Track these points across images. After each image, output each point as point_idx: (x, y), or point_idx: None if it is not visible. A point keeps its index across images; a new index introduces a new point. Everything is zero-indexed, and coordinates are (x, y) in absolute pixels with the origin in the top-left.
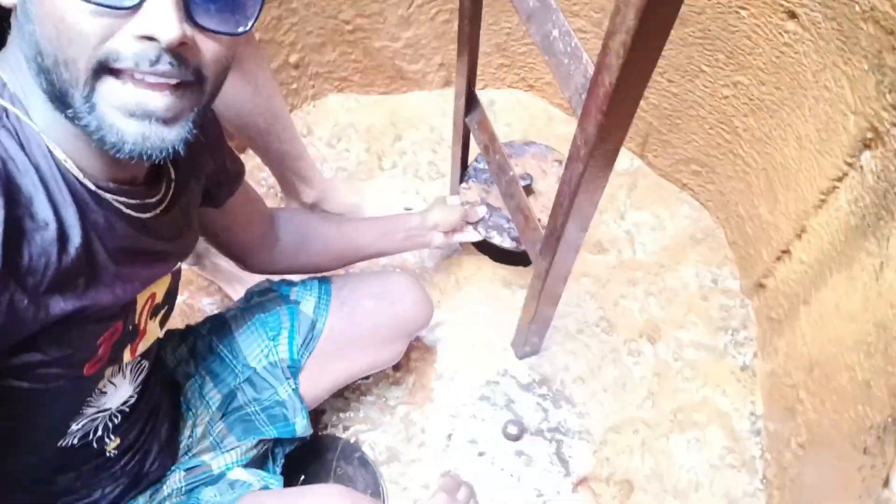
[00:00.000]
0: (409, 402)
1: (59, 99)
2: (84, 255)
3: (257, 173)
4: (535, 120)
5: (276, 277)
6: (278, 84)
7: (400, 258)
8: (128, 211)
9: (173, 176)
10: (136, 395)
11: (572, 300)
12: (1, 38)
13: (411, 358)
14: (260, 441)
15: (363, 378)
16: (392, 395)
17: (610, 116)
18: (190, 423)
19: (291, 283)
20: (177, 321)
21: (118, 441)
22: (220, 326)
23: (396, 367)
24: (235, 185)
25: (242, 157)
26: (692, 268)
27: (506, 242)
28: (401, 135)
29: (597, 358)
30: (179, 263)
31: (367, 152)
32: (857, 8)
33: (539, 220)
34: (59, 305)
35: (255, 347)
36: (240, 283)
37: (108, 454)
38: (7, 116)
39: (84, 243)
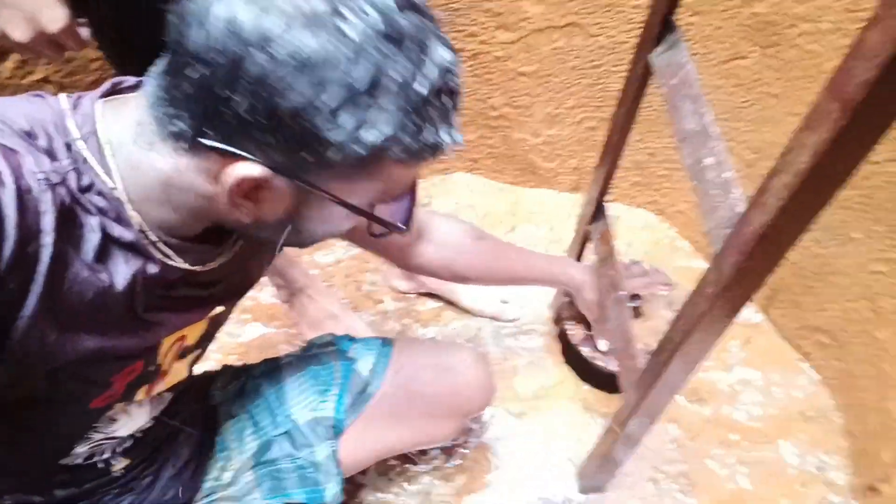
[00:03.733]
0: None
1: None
2: (122, 300)
3: None
4: (658, 245)
5: (340, 331)
6: None
7: (482, 345)
8: (183, 265)
9: (239, 242)
10: (152, 423)
11: (654, 444)
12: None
13: (468, 456)
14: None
15: (412, 463)
16: (438, 490)
17: (752, 259)
18: (220, 464)
19: (353, 340)
20: (253, 354)
21: (127, 462)
22: (272, 371)
23: (449, 453)
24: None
25: None
26: (797, 446)
27: (611, 366)
28: (516, 227)
29: None
30: (221, 308)
31: None
32: None
33: (646, 345)
34: (84, 344)
35: (302, 399)
36: (320, 333)
37: (113, 473)
38: (84, 162)
39: (127, 291)
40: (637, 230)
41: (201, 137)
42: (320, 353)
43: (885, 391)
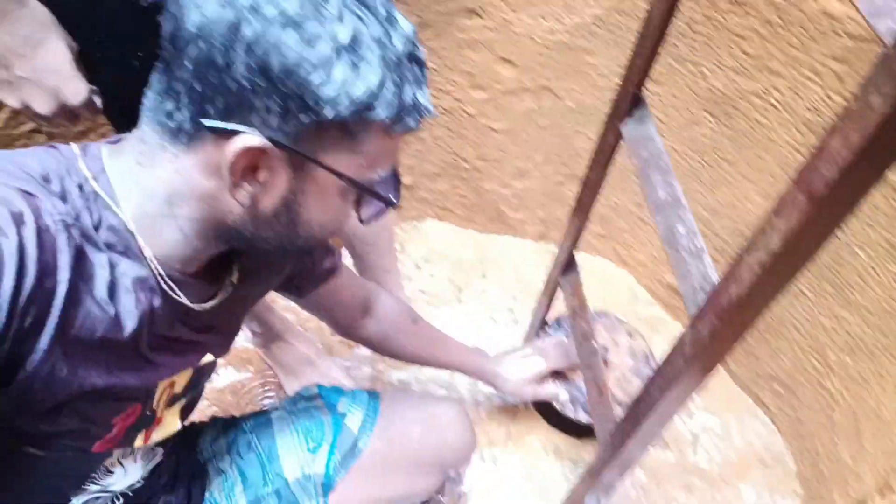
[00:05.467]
0: None
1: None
2: (129, 336)
3: None
4: (617, 294)
5: (316, 377)
6: None
7: (456, 391)
8: (184, 301)
9: (235, 275)
10: (142, 482)
11: (621, 489)
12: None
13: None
14: None
15: None
16: None
17: (727, 325)
18: None
19: (341, 392)
20: (227, 399)
21: None
22: (262, 426)
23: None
24: (322, 282)
25: None
26: (754, 490)
27: (580, 415)
28: (486, 273)
29: None
30: (211, 357)
31: (450, 282)
32: None
33: (612, 395)
34: (91, 380)
35: (293, 455)
36: (297, 379)
37: None
38: (95, 199)
39: (135, 326)
40: (597, 279)
41: (203, 119)
42: (310, 407)
43: (836, 438)
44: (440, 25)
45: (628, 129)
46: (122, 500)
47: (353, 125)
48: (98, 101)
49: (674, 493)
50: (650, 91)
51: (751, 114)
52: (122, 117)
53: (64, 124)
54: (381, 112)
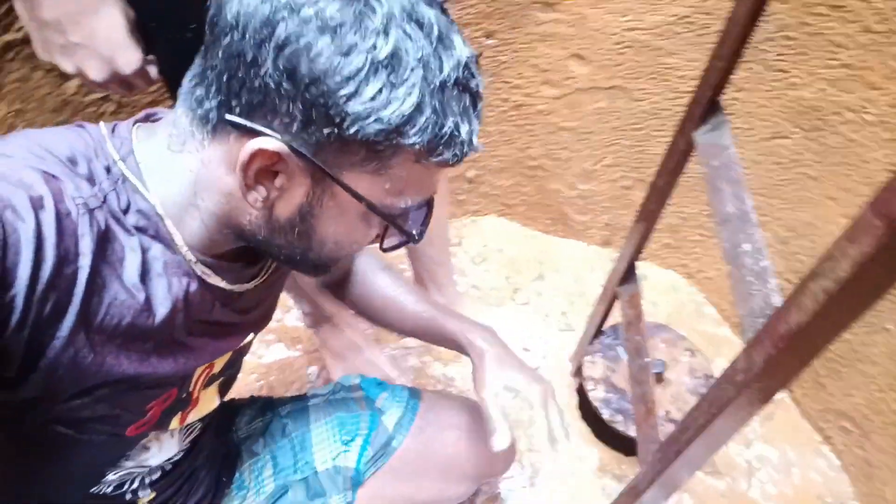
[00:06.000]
0: None
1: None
2: (163, 324)
3: None
4: (682, 308)
5: (361, 363)
6: (450, 192)
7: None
8: (221, 284)
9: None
10: (181, 454)
11: None
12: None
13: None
14: None
15: None
16: None
17: (785, 354)
18: (236, 502)
19: (382, 387)
20: (273, 375)
21: (153, 496)
22: (299, 412)
23: None
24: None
25: None
26: None
27: (632, 430)
28: (544, 275)
29: None
30: (252, 336)
31: (506, 280)
32: None
33: (666, 413)
34: (121, 368)
35: (325, 446)
36: (343, 363)
37: None
38: (123, 182)
39: (168, 312)
40: (662, 291)
41: (227, 114)
42: (348, 397)
43: None
44: (515, 16)
45: (701, 135)
46: (159, 472)
47: (380, 146)
48: (153, 71)
49: None
50: (731, 98)
51: (842, 129)
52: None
53: (118, 92)
54: (413, 138)
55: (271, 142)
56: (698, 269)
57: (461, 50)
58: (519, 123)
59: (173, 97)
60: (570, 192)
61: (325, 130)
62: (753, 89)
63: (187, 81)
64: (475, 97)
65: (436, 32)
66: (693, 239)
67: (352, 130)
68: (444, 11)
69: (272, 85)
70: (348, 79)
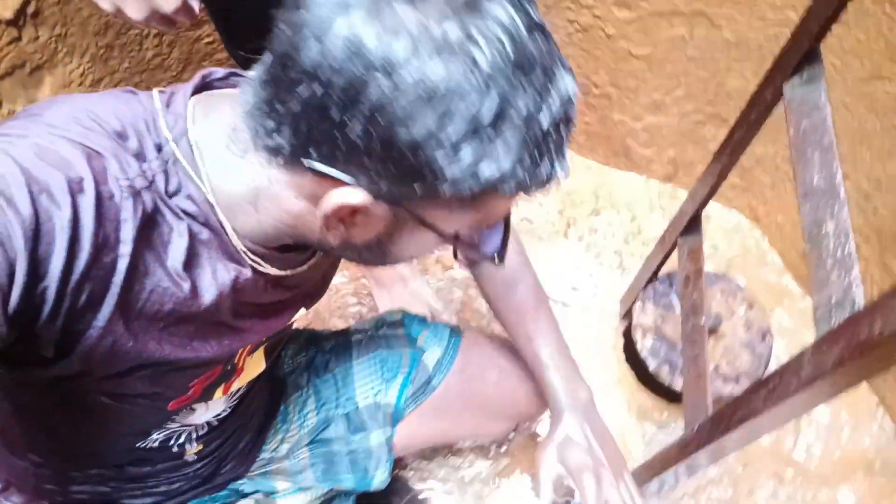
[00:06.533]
0: (493, 486)
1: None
2: (208, 310)
3: None
4: (747, 254)
5: (405, 294)
6: None
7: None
8: (273, 271)
9: None
10: (229, 410)
11: None
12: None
13: (514, 441)
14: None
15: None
16: (478, 469)
17: (860, 361)
18: (280, 436)
19: (424, 324)
20: (321, 302)
21: (200, 447)
22: (342, 348)
23: (499, 446)
24: None
25: None
26: (854, 495)
27: (678, 383)
28: (599, 210)
29: None
30: (304, 311)
31: (559, 214)
32: None
33: (716, 367)
34: (162, 353)
35: (367, 382)
36: (388, 292)
37: (186, 458)
38: (174, 164)
39: (214, 298)
40: (726, 233)
41: (303, 157)
42: (390, 335)
43: None
44: None
45: (793, 89)
46: (205, 428)
47: (474, 196)
48: (196, 5)
49: (761, 480)
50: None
51: None
52: (227, 30)
53: (159, 29)
54: (508, 189)
55: (356, 193)
56: (767, 212)
57: (566, 85)
58: (585, 47)
59: (228, 44)
60: (636, 123)
61: (417, 188)
62: (854, 23)
63: (252, 96)
64: (570, 125)
65: (540, 74)
66: (764, 181)
67: (446, 190)
68: (544, 33)
69: (361, 146)
70: (446, 145)
